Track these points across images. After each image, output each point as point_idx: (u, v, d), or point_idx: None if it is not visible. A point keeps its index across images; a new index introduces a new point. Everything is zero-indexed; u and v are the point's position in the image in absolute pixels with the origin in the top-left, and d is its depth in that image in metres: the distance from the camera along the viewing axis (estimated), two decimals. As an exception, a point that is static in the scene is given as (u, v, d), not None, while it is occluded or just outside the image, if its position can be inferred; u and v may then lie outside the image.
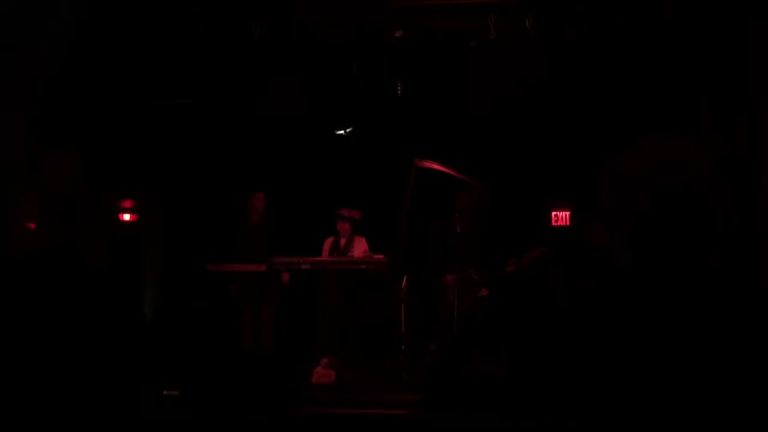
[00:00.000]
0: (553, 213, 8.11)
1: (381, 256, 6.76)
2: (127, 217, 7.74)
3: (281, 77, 7.32)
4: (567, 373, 1.25)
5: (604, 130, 6.33)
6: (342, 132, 8.34)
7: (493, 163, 7.59)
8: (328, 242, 7.16)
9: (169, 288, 7.40)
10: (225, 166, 7.95)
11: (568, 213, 8.06)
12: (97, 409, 1.52)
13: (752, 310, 1.20)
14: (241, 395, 5.24)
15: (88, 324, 1.56)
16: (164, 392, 5.00)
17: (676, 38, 6.17)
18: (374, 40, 7.07)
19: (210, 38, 6.85)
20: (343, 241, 7.09)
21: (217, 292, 7.05)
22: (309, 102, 7.50)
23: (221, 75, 7.14)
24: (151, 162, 7.26)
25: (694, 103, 6.06)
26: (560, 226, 8.09)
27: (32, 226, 1.64)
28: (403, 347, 6.60)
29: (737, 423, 1.12)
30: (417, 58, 7.19)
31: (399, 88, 7.45)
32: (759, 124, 5.52)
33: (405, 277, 6.81)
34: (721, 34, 5.77)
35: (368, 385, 6.14)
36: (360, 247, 7.03)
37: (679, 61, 6.20)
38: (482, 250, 6.68)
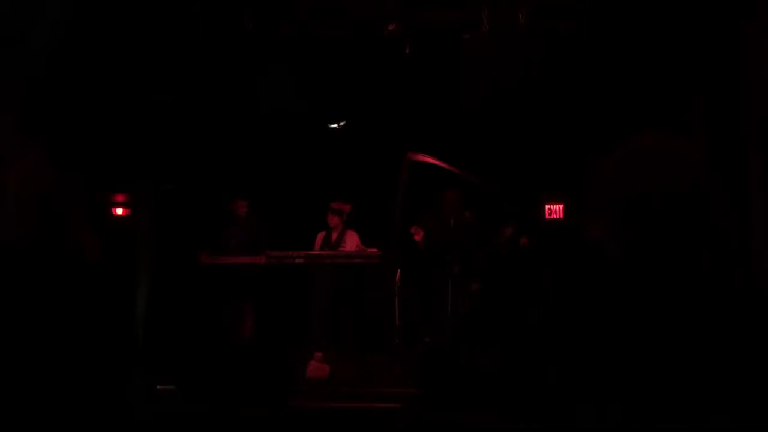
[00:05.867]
0: (547, 206, 8.12)
1: (374, 250, 6.76)
2: (120, 211, 7.72)
3: (275, 72, 7.31)
4: (561, 367, 1.25)
5: (598, 124, 6.33)
6: (335, 126, 8.34)
7: (486, 156, 7.59)
8: (320, 236, 7.16)
9: (161, 282, 7.39)
10: (219, 160, 7.93)
11: (561, 206, 8.07)
12: (88, 403, 1.52)
13: (744, 306, 1.20)
14: (236, 389, 5.24)
15: (80, 318, 1.56)
16: (158, 387, 5.01)
17: (670, 34, 6.18)
18: (368, 33, 7.05)
19: (204, 33, 6.83)
20: (334, 235, 7.09)
21: (210, 285, 7.05)
22: (303, 96, 7.49)
23: (215, 69, 7.12)
24: (146, 155, 7.24)
25: (687, 99, 6.08)
26: (554, 219, 8.11)
27: (21, 220, 1.63)
28: (397, 341, 6.62)
29: (734, 422, 1.12)
30: (411, 51, 7.17)
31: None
32: (749, 121, 5.54)
33: (399, 271, 6.82)
34: (714, 32, 5.78)
35: (362, 378, 6.16)
36: (352, 241, 7.03)
37: (672, 57, 6.21)
38: (470, 245, 6.70)
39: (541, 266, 6.82)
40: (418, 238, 6.71)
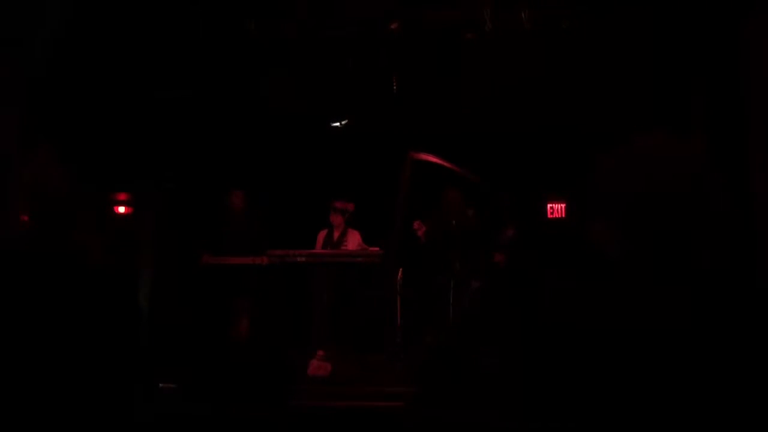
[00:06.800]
0: (549, 205, 8.13)
1: (376, 249, 6.77)
2: (122, 209, 7.73)
3: (276, 71, 7.31)
4: (561, 367, 1.25)
5: (599, 123, 6.33)
6: (337, 124, 8.34)
7: (488, 155, 7.59)
8: (322, 235, 7.16)
9: (163, 280, 7.39)
10: (221, 159, 7.94)
11: (563, 205, 8.08)
12: (91, 403, 1.52)
13: (745, 306, 1.20)
14: (237, 388, 5.25)
15: (83, 318, 1.56)
16: (160, 386, 5.01)
17: (670, 34, 6.18)
18: (370, 33, 7.05)
19: (205, 32, 6.83)
20: (336, 234, 7.09)
21: (211, 284, 7.05)
22: (304, 95, 7.49)
23: (216, 69, 7.12)
24: (148, 154, 7.25)
25: (687, 99, 6.08)
26: (556, 219, 8.12)
27: (25, 219, 1.63)
28: (398, 340, 6.62)
29: (735, 424, 1.12)
30: (413, 51, 7.18)
31: (394, 84, 7.45)
32: (751, 121, 5.54)
33: (400, 270, 6.82)
34: (715, 32, 5.78)
35: (364, 377, 6.15)
36: (354, 240, 7.03)
37: (672, 57, 6.21)
38: (470, 245, 6.70)
39: (542, 265, 6.83)
40: (420, 233, 6.72)
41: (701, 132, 5.71)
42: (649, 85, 6.40)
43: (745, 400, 1.13)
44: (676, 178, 1.23)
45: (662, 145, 1.28)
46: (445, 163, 6.74)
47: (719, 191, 1.23)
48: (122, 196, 7.68)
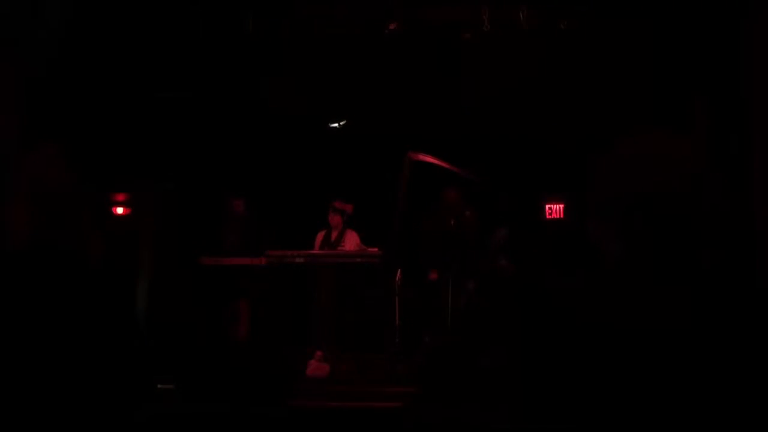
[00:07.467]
0: (547, 206, 8.12)
1: (375, 249, 6.77)
2: (120, 210, 7.73)
3: (276, 70, 7.31)
4: (561, 367, 1.25)
5: (599, 123, 6.34)
6: (336, 125, 8.34)
7: (487, 155, 7.59)
8: (320, 236, 7.17)
9: (162, 280, 7.39)
10: (220, 159, 7.94)
11: (562, 206, 8.07)
12: (89, 403, 1.52)
13: (745, 306, 1.20)
14: (236, 389, 5.24)
15: (82, 318, 1.56)
16: (158, 386, 5.01)
17: (670, 34, 6.18)
18: (370, 33, 7.05)
19: (205, 32, 6.83)
20: (334, 234, 7.09)
21: (210, 285, 7.05)
22: (304, 95, 7.49)
23: (217, 69, 7.13)
24: (147, 154, 7.25)
25: (688, 99, 6.08)
26: (554, 219, 8.11)
27: (24, 219, 1.63)
28: (397, 340, 6.62)
29: (735, 423, 1.12)
30: (412, 51, 7.18)
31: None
32: (753, 121, 5.54)
33: (399, 270, 6.82)
34: (716, 32, 5.79)
35: (362, 377, 6.15)
36: (352, 240, 7.03)
37: (673, 57, 6.21)
38: (469, 245, 6.70)
39: (540, 265, 6.83)
40: (433, 277, 6.76)
41: (702, 132, 5.71)
42: (649, 85, 6.40)
43: (745, 399, 1.13)
44: (677, 178, 1.23)
45: (662, 145, 1.28)
46: (444, 164, 6.74)
47: (719, 191, 1.23)
48: (122, 196, 7.67)
